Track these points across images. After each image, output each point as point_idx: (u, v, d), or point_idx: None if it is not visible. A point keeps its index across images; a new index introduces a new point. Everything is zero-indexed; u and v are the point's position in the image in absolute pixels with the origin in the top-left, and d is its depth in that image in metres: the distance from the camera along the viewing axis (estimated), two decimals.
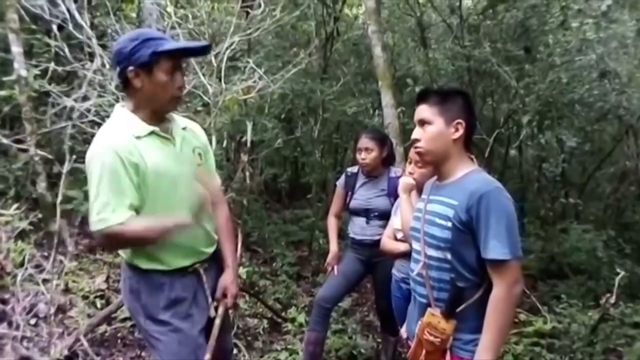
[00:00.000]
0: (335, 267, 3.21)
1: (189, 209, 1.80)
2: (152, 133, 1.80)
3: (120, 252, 1.92)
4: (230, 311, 2.06)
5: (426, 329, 1.70)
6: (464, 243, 1.66)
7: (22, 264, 3.42)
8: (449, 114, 1.73)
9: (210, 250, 2.00)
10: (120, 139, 1.73)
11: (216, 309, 1.99)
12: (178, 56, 1.83)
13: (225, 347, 2.10)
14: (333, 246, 3.27)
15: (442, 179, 1.80)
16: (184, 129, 1.95)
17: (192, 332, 1.86)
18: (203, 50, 2.14)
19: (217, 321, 1.95)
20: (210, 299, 1.96)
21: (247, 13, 4.30)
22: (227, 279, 2.03)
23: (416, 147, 1.79)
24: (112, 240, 1.73)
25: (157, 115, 1.84)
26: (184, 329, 1.84)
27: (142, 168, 1.73)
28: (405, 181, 2.47)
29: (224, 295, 2.01)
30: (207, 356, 1.84)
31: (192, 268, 1.90)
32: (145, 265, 1.84)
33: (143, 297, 1.84)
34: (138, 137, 1.76)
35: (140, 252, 1.83)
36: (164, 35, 1.88)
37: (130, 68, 1.74)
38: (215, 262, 2.03)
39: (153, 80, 1.76)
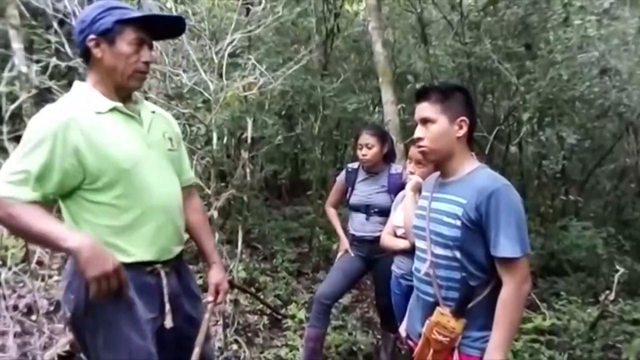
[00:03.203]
0: (339, 253, 3.27)
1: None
2: (114, 109, 1.65)
3: None
4: (221, 306, 1.96)
5: (435, 328, 1.69)
6: (473, 241, 1.65)
7: (23, 260, 3.43)
8: (452, 112, 1.72)
9: (177, 250, 1.80)
10: (73, 112, 1.56)
11: (206, 305, 1.90)
12: (147, 29, 1.69)
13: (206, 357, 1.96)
14: (341, 233, 3.31)
15: (446, 176, 1.78)
16: (152, 112, 1.82)
17: (142, 341, 1.64)
18: (175, 28, 1.85)
19: (207, 315, 1.87)
20: (168, 307, 1.73)
21: (248, 10, 4.30)
22: (217, 275, 1.94)
23: (420, 146, 1.76)
24: None
25: (119, 91, 1.69)
26: (134, 338, 1.62)
27: (91, 147, 1.55)
28: (416, 180, 2.46)
29: (217, 292, 1.93)
30: (197, 349, 1.77)
31: (152, 268, 1.70)
32: None
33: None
34: (99, 113, 1.61)
35: (104, 237, 1.60)
36: (133, 7, 1.74)
37: (91, 36, 1.61)
38: (178, 266, 1.83)
39: (114, 50, 1.62)
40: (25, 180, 1.49)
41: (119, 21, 1.62)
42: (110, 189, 1.61)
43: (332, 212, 3.41)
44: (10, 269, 3.24)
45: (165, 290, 1.73)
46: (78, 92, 1.67)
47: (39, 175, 1.51)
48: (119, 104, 1.67)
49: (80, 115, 1.57)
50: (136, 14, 1.67)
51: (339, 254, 3.28)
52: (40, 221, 1.48)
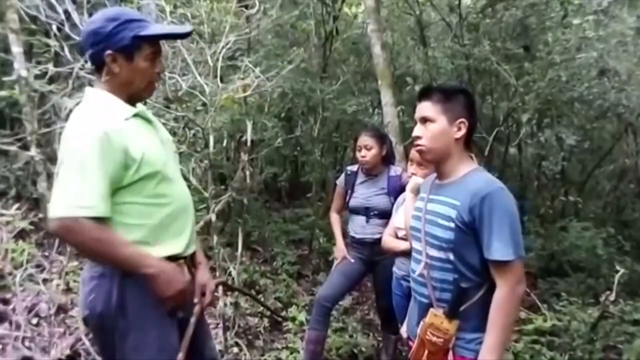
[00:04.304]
0: (335, 261, 3.25)
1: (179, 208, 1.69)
2: (136, 115, 1.68)
3: None
4: (220, 309, 1.96)
5: (429, 330, 1.70)
6: (467, 244, 1.65)
7: (22, 264, 3.43)
8: (452, 113, 1.73)
9: (193, 248, 1.86)
10: (109, 120, 1.58)
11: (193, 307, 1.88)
12: (160, 40, 1.72)
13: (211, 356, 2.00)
14: (339, 241, 3.29)
15: (443, 178, 1.79)
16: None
17: (170, 338, 1.71)
18: (185, 35, 1.99)
19: (193, 319, 1.84)
20: (193, 299, 1.84)
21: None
22: (204, 276, 1.92)
23: (417, 145, 1.78)
24: (71, 234, 1.56)
25: (132, 99, 1.71)
26: (162, 337, 1.69)
27: (133, 152, 1.59)
28: (416, 181, 2.46)
29: (203, 293, 1.91)
30: (180, 355, 1.74)
31: (176, 264, 1.75)
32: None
33: (128, 299, 1.64)
34: (126, 119, 1.64)
35: (135, 236, 1.65)
36: (144, 17, 1.74)
37: (108, 51, 1.60)
38: (192, 265, 1.90)
39: (132, 66, 1.64)
40: (95, 194, 1.53)
41: (137, 37, 1.62)
42: (144, 188, 1.65)
43: (334, 218, 3.39)
44: (10, 273, 3.25)
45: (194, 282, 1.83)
46: (98, 100, 1.67)
47: (104, 191, 1.55)
48: (140, 110, 1.72)
49: (113, 122, 1.60)
50: (154, 29, 1.67)
51: (336, 262, 3.27)
52: (124, 248, 1.59)
